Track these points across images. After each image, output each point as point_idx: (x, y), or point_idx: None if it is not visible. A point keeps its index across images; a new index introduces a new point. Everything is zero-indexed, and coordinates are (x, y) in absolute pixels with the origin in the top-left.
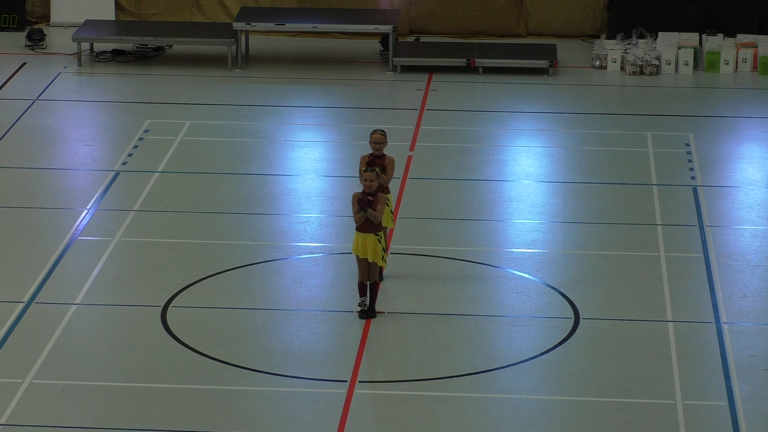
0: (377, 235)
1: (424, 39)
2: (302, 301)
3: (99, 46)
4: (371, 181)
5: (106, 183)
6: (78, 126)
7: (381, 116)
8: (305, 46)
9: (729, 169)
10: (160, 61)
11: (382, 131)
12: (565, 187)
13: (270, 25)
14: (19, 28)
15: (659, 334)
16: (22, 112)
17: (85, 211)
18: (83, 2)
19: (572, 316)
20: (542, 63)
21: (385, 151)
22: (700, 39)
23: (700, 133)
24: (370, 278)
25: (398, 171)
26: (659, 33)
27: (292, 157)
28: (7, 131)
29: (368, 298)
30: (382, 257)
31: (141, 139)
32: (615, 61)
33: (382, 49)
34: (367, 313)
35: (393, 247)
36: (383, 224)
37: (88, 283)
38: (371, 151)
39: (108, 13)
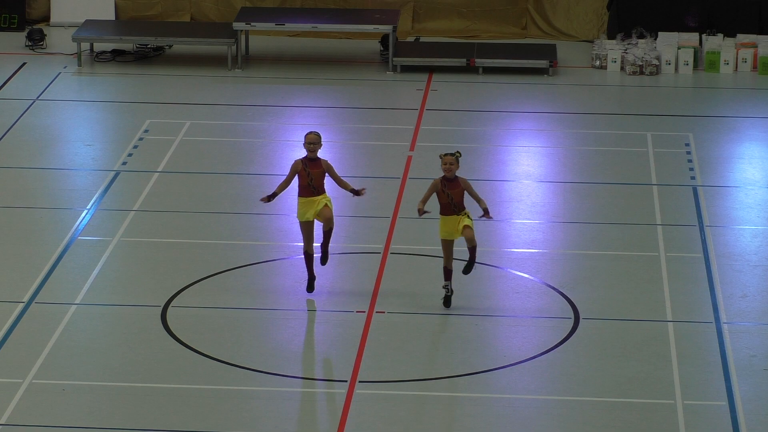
0: (459, 215)
1: (424, 39)
2: (302, 301)
3: (99, 46)
4: (451, 164)
5: (106, 183)
6: (78, 126)
7: (381, 116)
8: (305, 46)
9: (729, 169)
10: (160, 61)
11: (317, 132)
12: (565, 187)
13: (270, 25)
14: (19, 28)
15: (659, 334)
16: (22, 112)
17: (85, 211)
18: (83, 2)
19: (572, 316)
20: (542, 63)
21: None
22: (700, 39)
23: (700, 133)
24: (468, 244)
25: (398, 171)
26: (659, 33)
27: (292, 157)
28: (7, 131)
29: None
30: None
31: (141, 139)
32: (615, 61)
33: (382, 49)
34: (465, 268)
35: (393, 247)
36: (325, 202)
37: (88, 283)
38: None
39: (108, 13)
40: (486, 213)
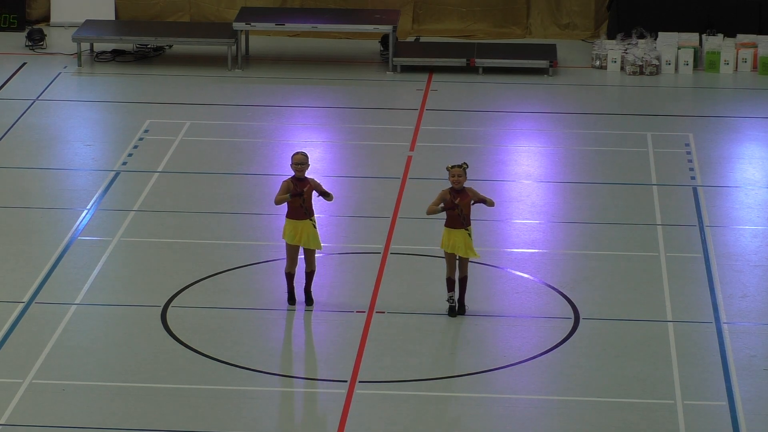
0: (466, 230)
1: (424, 39)
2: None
3: (99, 46)
4: (459, 176)
5: (106, 183)
6: (78, 126)
7: (381, 116)
8: (305, 46)
9: (729, 169)
10: (160, 61)
11: (304, 152)
12: (565, 187)
13: (270, 25)
14: (19, 28)
15: (659, 334)
16: (22, 112)
17: (85, 211)
18: (83, 2)
19: (572, 316)
20: (542, 63)
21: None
22: (700, 39)
23: (700, 133)
24: (460, 273)
25: (398, 171)
26: (659, 33)
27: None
28: (7, 131)
29: (456, 293)
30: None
31: (141, 139)
32: (615, 61)
33: (382, 49)
34: (457, 308)
35: (393, 247)
36: (313, 246)
37: (88, 283)
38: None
39: (108, 13)
40: (489, 203)
